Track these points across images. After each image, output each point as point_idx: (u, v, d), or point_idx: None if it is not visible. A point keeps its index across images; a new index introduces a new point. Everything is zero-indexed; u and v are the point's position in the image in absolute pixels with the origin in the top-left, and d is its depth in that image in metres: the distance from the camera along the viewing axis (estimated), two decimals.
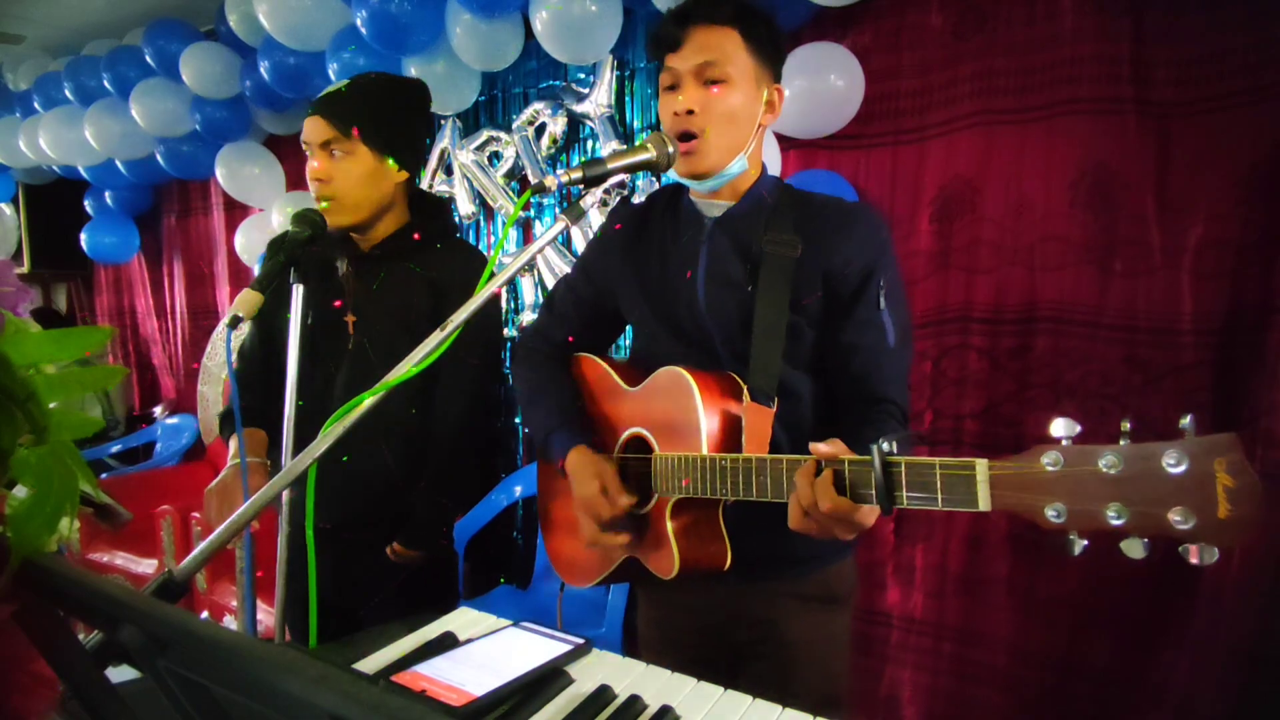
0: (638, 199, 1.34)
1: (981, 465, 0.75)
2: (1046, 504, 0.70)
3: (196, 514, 2.82)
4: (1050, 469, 0.70)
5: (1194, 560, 0.62)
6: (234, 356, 1.39)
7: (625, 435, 1.19)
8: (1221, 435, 0.62)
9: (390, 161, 1.47)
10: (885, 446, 0.83)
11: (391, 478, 1.50)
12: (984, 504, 0.75)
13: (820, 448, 0.90)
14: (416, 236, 1.52)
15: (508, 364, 2.85)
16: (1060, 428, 0.69)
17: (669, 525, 1.08)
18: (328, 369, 1.49)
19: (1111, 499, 0.66)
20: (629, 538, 1.12)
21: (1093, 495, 0.67)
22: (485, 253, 2.80)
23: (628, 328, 1.39)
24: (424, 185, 2.93)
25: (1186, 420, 0.63)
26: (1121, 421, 0.67)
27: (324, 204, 1.43)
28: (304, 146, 1.45)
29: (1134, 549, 0.66)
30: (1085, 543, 0.69)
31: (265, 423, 1.52)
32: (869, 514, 0.90)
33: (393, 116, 1.48)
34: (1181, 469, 0.62)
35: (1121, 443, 0.67)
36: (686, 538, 1.08)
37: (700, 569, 1.09)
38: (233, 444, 1.49)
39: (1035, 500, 0.71)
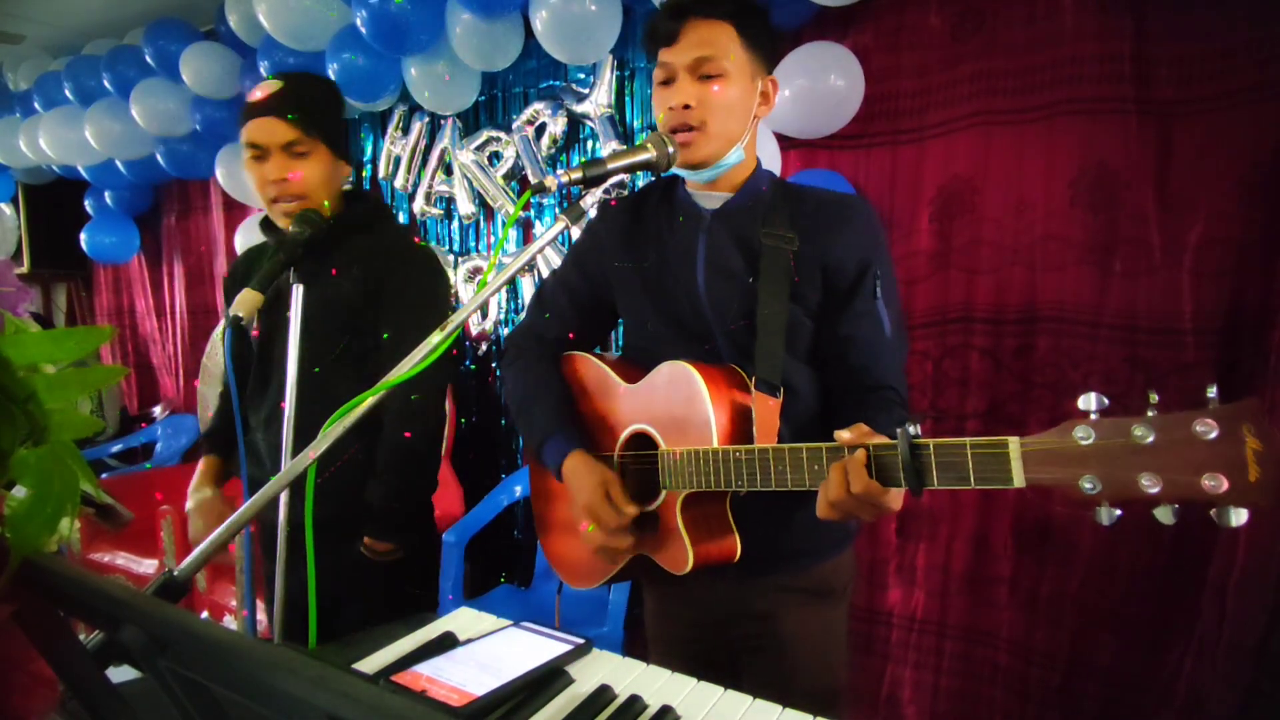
0: None
1: (1014, 442, 0.76)
2: (1081, 476, 0.71)
3: None
4: (1083, 442, 0.71)
5: (1226, 523, 0.65)
6: (230, 365, 1.42)
7: (627, 433, 1.19)
8: (1247, 400, 0.64)
9: (341, 159, 1.52)
10: (912, 429, 0.83)
11: (358, 474, 1.49)
12: (1018, 480, 0.76)
13: (843, 434, 0.90)
14: (343, 226, 1.52)
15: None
16: (1089, 402, 0.71)
17: (680, 520, 1.08)
18: (273, 360, 1.51)
19: (1145, 468, 0.68)
20: (634, 539, 1.12)
21: (1127, 465, 0.69)
22: (485, 252, 2.84)
23: (618, 325, 1.39)
24: (424, 185, 2.94)
25: (1212, 390, 0.65)
26: (1148, 394, 0.69)
27: (286, 203, 1.44)
28: (253, 149, 1.43)
29: (1165, 516, 0.68)
30: (1119, 512, 0.71)
31: (228, 446, 1.59)
32: (896, 497, 0.90)
33: (338, 117, 1.55)
34: (1212, 435, 0.64)
35: (1150, 414, 0.68)
36: (698, 532, 1.09)
37: (712, 562, 1.09)
38: (200, 466, 1.59)
39: (1069, 473, 0.72)
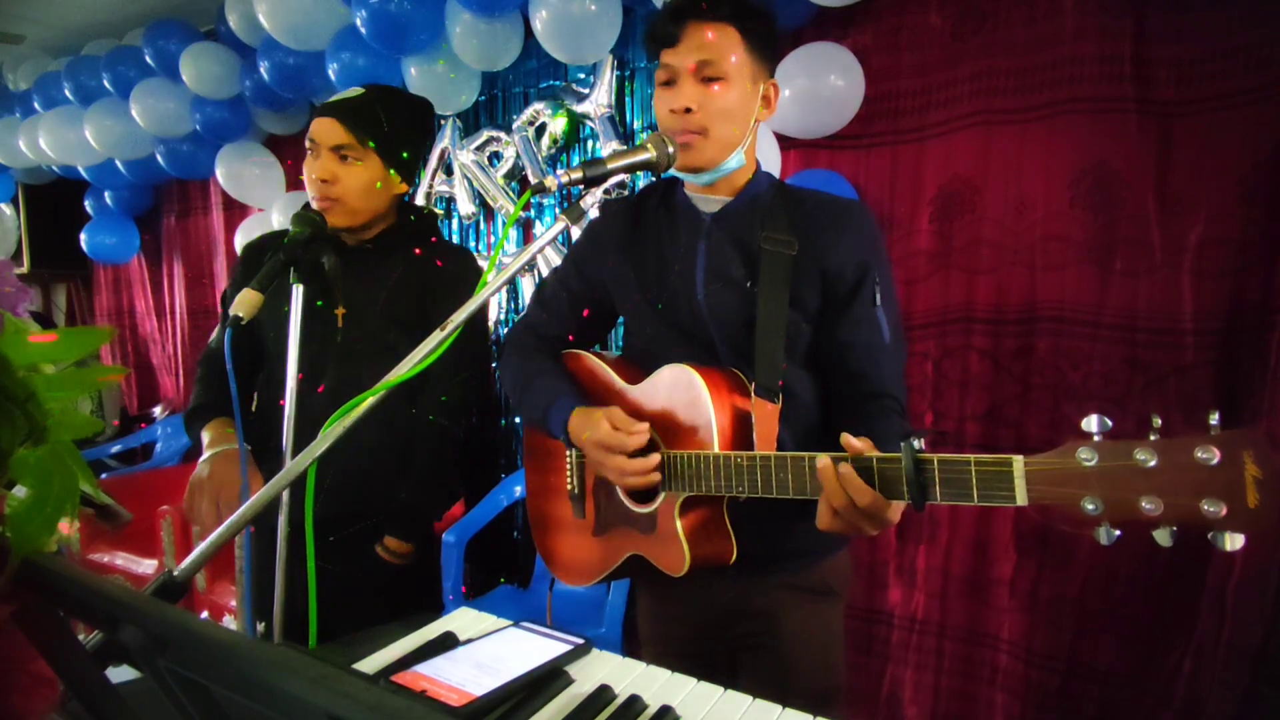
0: None
1: (1018, 461, 0.77)
2: (1083, 497, 0.73)
3: None
4: (1086, 463, 0.73)
5: (1224, 547, 0.67)
6: (227, 354, 1.40)
7: None
8: (1248, 429, 0.66)
9: (394, 174, 1.51)
10: (916, 444, 0.84)
11: (375, 474, 1.50)
12: (1021, 499, 0.77)
13: (853, 442, 0.90)
14: (405, 232, 1.56)
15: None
16: (1093, 424, 0.73)
17: (678, 523, 1.08)
18: (314, 363, 1.49)
19: (1146, 491, 0.69)
20: (659, 459, 1.09)
21: (1129, 487, 0.70)
22: (485, 252, 2.84)
23: (617, 325, 1.39)
24: (424, 185, 2.94)
25: (1214, 417, 0.67)
26: (1152, 418, 0.70)
27: (323, 203, 1.44)
28: (309, 144, 1.47)
29: (1163, 538, 0.69)
30: (1118, 533, 0.72)
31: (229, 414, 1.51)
32: (898, 509, 0.91)
33: (405, 134, 1.53)
34: (1213, 461, 0.66)
35: (1152, 437, 0.70)
36: (695, 534, 1.09)
37: (708, 564, 1.10)
38: (205, 436, 1.49)
39: (1072, 493, 0.74)
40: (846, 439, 0.90)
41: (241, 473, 1.41)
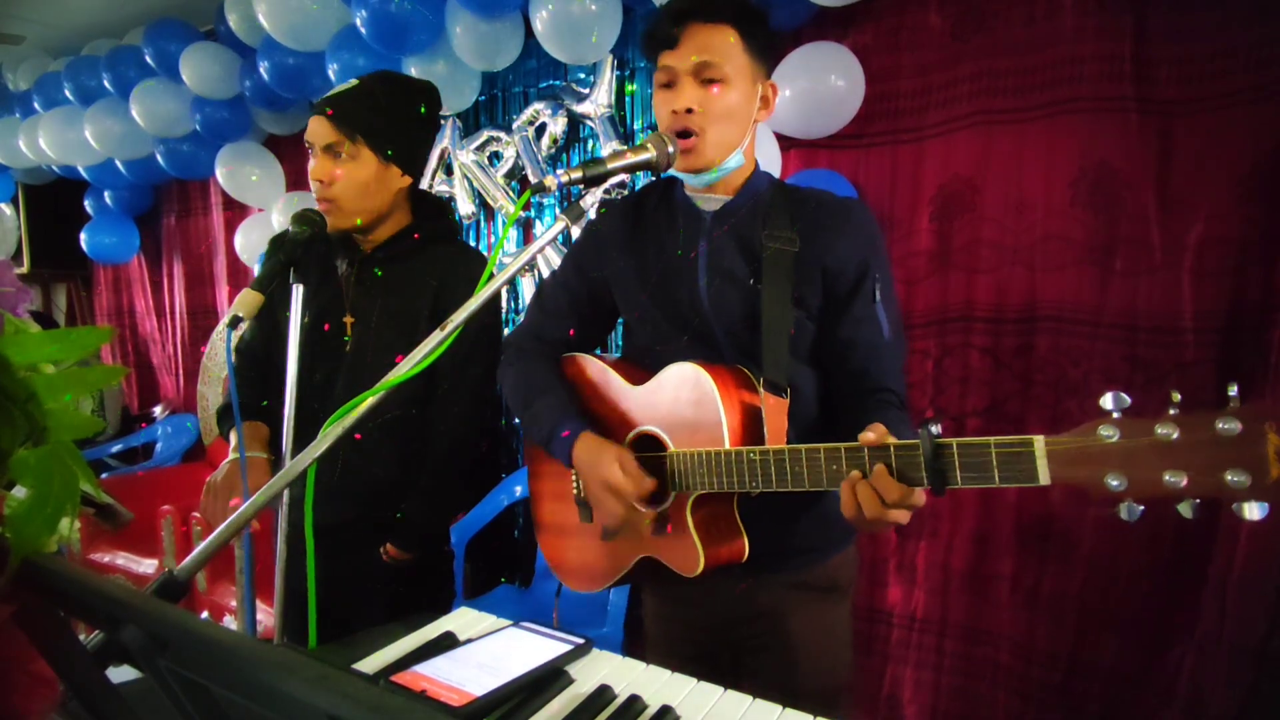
0: None
1: (1039, 441, 0.78)
2: (1107, 474, 0.73)
3: (197, 514, 2.81)
4: (1108, 440, 0.73)
5: (1247, 517, 0.67)
6: (233, 353, 1.39)
7: (633, 434, 1.19)
8: (1270, 401, 0.65)
9: (394, 167, 1.45)
10: (934, 429, 0.84)
11: (389, 478, 1.49)
12: (1044, 478, 0.77)
13: (867, 435, 0.90)
14: (416, 237, 1.51)
15: None
16: (1111, 401, 0.73)
17: (691, 522, 1.08)
18: (326, 371, 1.48)
19: (1170, 465, 0.70)
20: (655, 513, 1.11)
21: (1152, 462, 0.71)
22: (485, 253, 2.83)
23: (618, 325, 1.39)
24: (424, 185, 2.92)
25: (1234, 389, 0.67)
26: (1172, 394, 0.71)
27: (322, 204, 1.42)
28: (307, 145, 1.44)
29: (1186, 510, 0.70)
30: (1141, 509, 0.72)
31: (264, 417, 1.52)
32: (921, 496, 0.91)
33: (400, 123, 1.46)
34: (1235, 432, 0.66)
35: (1171, 412, 0.71)
36: (708, 533, 1.09)
37: (721, 563, 1.09)
38: (233, 438, 1.48)
39: (1095, 471, 0.74)
40: (863, 436, 0.90)
41: (242, 475, 1.41)
